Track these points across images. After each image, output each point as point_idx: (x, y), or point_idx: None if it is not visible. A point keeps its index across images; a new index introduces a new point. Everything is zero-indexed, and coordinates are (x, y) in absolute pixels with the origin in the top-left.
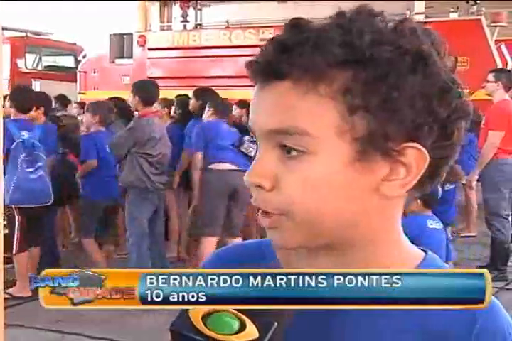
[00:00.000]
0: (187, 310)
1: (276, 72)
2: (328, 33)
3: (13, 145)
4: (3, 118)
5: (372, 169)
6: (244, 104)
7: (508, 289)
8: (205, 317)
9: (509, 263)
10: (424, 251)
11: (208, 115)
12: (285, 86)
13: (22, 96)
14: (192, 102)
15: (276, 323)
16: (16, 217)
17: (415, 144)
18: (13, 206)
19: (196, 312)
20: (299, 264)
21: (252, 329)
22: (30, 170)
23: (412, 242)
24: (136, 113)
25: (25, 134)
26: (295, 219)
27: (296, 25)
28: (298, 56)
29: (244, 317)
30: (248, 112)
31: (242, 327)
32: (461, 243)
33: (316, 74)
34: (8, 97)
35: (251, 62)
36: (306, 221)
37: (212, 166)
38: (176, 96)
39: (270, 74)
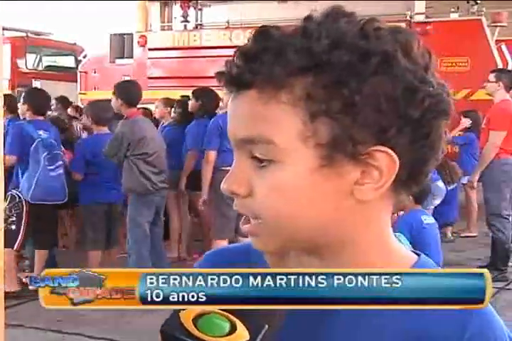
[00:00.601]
0: (178, 311)
1: (242, 81)
2: (290, 39)
3: (34, 145)
4: (19, 119)
5: (341, 174)
6: None
7: (508, 289)
8: (196, 319)
9: (509, 264)
10: (418, 254)
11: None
12: (251, 95)
13: (38, 99)
14: (191, 103)
15: (266, 326)
16: (24, 217)
17: (382, 147)
18: (23, 201)
19: (187, 314)
20: (287, 266)
21: (242, 332)
22: (51, 167)
23: (412, 239)
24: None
25: (42, 133)
26: (268, 224)
27: (261, 33)
28: (260, 65)
29: (235, 319)
30: None
31: (233, 329)
32: (461, 243)
33: (277, 83)
34: (22, 100)
35: (221, 73)
36: (278, 226)
37: (226, 168)
38: (181, 96)
39: (237, 84)
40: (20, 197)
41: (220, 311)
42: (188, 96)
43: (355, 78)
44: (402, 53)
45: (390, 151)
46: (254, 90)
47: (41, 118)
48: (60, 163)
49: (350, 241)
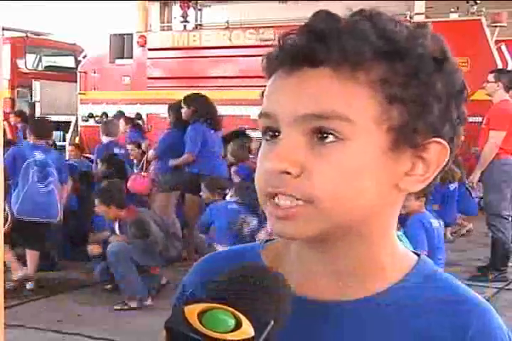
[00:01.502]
0: (182, 306)
1: (312, 58)
2: (361, 24)
3: (25, 165)
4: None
5: (399, 162)
6: None
7: (508, 289)
8: (201, 315)
9: (509, 264)
10: (417, 255)
11: None
12: (322, 72)
13: (41, 126)
14: (184, 110)
15: (272, 322)
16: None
17: (440, 139)
18: (9, 215)
19: (192, 309)
20: (288, 266)
21: (247, 328)
22: (41, 185)
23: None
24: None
25: (37, 154)
26: (319, 207)
27: (329, 15)
28: (337, 43)
29: (240, 315)
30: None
31: (238, 325)
32: (461, 243)
33: (356, 62)
34: (27, 128)
35: (280, 47)
36: (331, 209)
37: None
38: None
39: (304, 60)
40: (5, 210)
41: (225, 307)
42: (179, 101)
43: (425, 71)
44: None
45: (445, 143)
46: (326, 68)
47: (42, 142)
48: (51, 179)
49: (374, 234)
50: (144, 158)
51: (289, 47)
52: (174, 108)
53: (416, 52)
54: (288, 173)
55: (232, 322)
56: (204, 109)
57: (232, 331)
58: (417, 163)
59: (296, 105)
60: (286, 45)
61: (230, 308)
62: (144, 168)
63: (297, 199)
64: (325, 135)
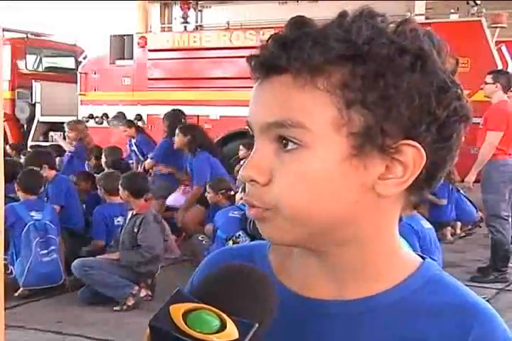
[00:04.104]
0: (168, 305)
1: (275, 66)
2: (328, 30)
3: (25, 229)
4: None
5: (367, 166)
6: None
7: (508, 290)
8: (186, 314)
9: (509, 264)
10: (423, 258)
11: None
12: (284, 80)
13: (30, 179)
14: (179, 139)
15: (257, 324)
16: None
17: (412, 142)
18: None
19: (177, 309)
20: (292, 266)
21: (232, 329)
22: (44, 252)
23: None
24: None
25: (34, 214)
26: (283, 215)
27: (297, 21)
28: (297, 50)
29: (225, 316)
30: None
31: (223, 326)
32: (461, 244)
33: (315, 68)
34: (16, 182)
35: (251, 56)
36: (295, 217)
37: None
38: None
39: (269, 68)
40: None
41: (210, 307)
42: (171, 110)
43: (392, 72)
44: (435, 54)
45: (419, 146)
46: (288, 75)
47: (33, 197)
48: (53, 248)
49: (360, 238)
50: (142, 167)
51: (259, 56)
52: (169, 116)
53: (380, 54)
54: (257, 182)
55: (217, 323)
56: (200, 138)
57: (216, 332)
58: (394, 167)
59: (262, 114)
60: (260, 52)
61: (215, 309)
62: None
63: (263, 209)
64: (286, 142)
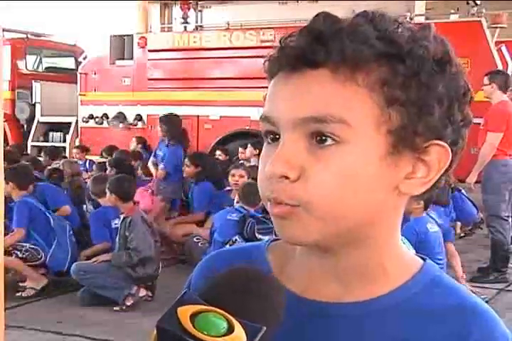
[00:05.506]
0: (176, 307)
1: (311, 59)
2: (361, 26)
3: (52, 220)
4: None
5: (399, 165)
6: None
7: (508, 291)
8: (194, 316)
9: (509, 265)
10: (423, 259)
11: None
12: (321, 74)
13: (22, 174)
14: (190, 169)
15: (264, 328)
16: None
17: (441, 142)
18: None
19: (185, 311)
20: (293, 268)
21: (239, 333)
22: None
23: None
24: None
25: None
26: (314, 212)
27: (329, 16)
28: (338, 45)
29: (233, 319)
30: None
31: (230, 329)
32: (461, 244)
33: (355, 64)
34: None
35: (281, 48)
36: (327, 215)
37: None
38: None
39: (303, 61)
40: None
41: (218, 310)
42: (165, 115)
43: (426, 72)
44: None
45: (447, 146)
46: (325, 70)
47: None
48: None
49: (372, 239)
50: (154, 177)
51: (289, 49)
52: (165, 119)
53: (417, 54)
54: (286, 177)
55: (224, 326)
56: (210, 170)
57: (224, 335)
58: (418, 166)
59: (294, 108)
60: (286, 46)
61: (223, 312)
62: (153, 186)
63: (292, 205)
64: (323, 138)
